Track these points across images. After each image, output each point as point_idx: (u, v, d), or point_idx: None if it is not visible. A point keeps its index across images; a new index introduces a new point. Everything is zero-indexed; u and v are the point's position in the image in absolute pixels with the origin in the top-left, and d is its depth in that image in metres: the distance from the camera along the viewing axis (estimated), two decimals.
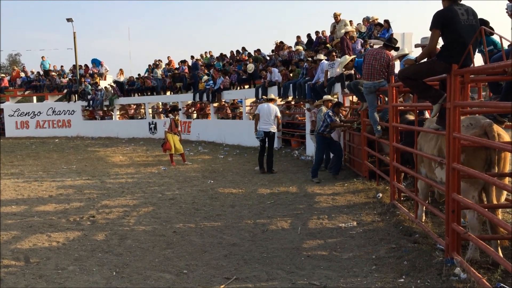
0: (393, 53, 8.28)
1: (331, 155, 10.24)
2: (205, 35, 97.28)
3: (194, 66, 20.94)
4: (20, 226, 6.75)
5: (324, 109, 10.00)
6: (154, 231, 6.37)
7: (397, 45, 8.44)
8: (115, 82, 23.73)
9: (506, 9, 5.19)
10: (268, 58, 18.52)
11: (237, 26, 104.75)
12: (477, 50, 5.12)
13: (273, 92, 15.63)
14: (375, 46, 10.73)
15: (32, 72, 26.62)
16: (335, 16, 14.28)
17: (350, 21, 14.76)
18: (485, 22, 5.28)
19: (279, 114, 11.01)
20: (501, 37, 4.45)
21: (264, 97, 12.52)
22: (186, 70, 21.03)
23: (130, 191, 9.21)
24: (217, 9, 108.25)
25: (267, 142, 10.95)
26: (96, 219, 7.10)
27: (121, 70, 24.56)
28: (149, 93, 22.71)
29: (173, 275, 4.75)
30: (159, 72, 21.87)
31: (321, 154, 9.88)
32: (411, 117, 7.95)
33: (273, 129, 10.87)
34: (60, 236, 6.23)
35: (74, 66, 25.71)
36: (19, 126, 24.79)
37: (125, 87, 23.26)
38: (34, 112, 24.79)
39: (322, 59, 12.45)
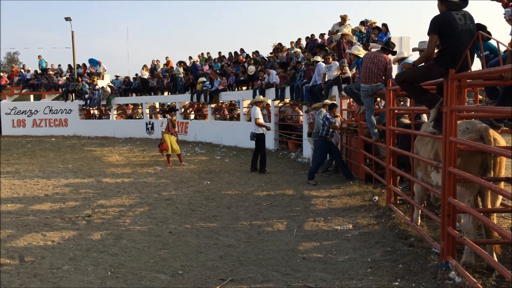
0: (391, 56, 8.31)
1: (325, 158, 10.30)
2: (204, 36, 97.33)
3: (193, 68, 20.86)
4: (15, 225, 6.73)
5: (324, 111, 10.03)
6: (150, 231, 6.36)
7: (395, 49, 8.47)
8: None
9: (504, 14, 5.21)
10: (266, 59, 18.50)
11: (236, 27, 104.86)
12: (475, 55, 5.14)
13: (270, 94, 15.67)
14: (372, 50, 10.77)
15: (29, 71, 26.54)
16: (343, 18, 14.26)
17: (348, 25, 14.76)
18: (482, 27, 5.29)
19: (256, 116, 11.21)
20: (498, 42, 4.47)
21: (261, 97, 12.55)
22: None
23: (126, 191, 9.20)
24: (216, 10, 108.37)
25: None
26: (92, 218, 7.08)
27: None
28: (146, 93, 22.65)
29: (168, 275, 4.75)
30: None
31: (322, 157, 9.90)
32: (405, 120, 7.98)
33: (258, 130, 11.19)
34: (55, 235, 6.22)
35: (70, 66, 25.63)
36: (16, 125, 24.69)
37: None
38: (31, 110, 24.69)
39: (319, 61, 12.48)
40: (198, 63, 21.49)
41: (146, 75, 22.82)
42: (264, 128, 11.30)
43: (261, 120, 11.26)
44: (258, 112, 11.28)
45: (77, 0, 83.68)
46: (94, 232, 6.34)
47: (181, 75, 20.81)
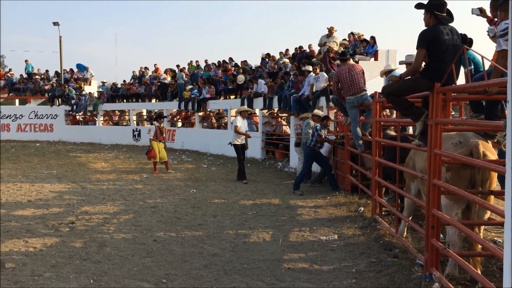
0: (380, 68, 8.44)
1: (312, 169, 10.31)
2: (192, 45, 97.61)
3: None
4: None
5: (312, 123, 10.07)
6: (134, 239, 6.29)
7: (382, 62, 8.62)
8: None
9: (488, 32, 5.31)
10: (254, 69, 18.56)
11: (225, 36, 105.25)
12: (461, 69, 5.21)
13: (258, 104, 15.71)
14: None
15: (13, 75, 26.25)
16: (330, 30, 14.41)
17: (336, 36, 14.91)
18: (464, 37, 5.31)
19: (235, 124, 11.27)
20: (482, 57, 4.55)
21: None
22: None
23: (111, 198, 9.10)
24: (205, 19, 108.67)
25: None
26: (75, 225, 6.98)
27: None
28: (134, 100, 22.53)
29: (152, 284, 4.69)
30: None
31: (308, 167, 9.93)
32: (391, 132, 8.05)
33: (235, 141, 11.23)
34: (37, 241, 6.11)
35: (58, 72, 25.42)
36: (0, 129, 24.36)
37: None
38: (16, 115, 24.38)
39: (310, 71, 12.56)
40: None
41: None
42: (243, 138, 11.24)
43: (240, 129, 11.19)
44: (237, 120, 11.30)
45: (66, 0, 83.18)
46: (77, 239, 6.25)
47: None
